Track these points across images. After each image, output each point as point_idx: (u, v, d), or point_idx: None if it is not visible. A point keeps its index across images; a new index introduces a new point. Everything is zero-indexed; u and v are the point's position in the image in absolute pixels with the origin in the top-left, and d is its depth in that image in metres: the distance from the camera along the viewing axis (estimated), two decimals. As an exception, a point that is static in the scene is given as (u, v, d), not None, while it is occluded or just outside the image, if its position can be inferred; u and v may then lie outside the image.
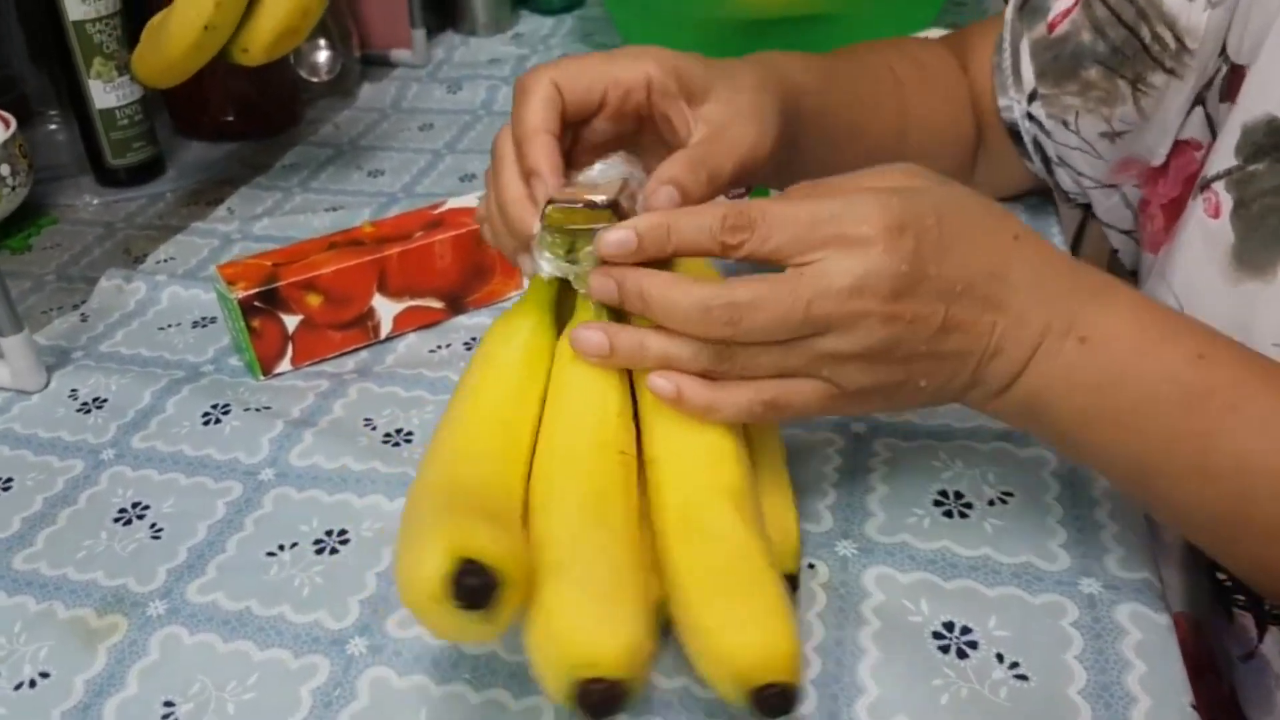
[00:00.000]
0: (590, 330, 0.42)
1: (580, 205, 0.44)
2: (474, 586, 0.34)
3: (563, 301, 0.46)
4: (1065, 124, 0.61)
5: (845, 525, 0.48)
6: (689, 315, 0.39)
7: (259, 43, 0.74)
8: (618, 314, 0.45)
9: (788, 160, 0.53)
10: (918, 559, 0.46)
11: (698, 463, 0.42)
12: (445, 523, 0.36)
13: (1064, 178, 0.64)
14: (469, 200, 0.67)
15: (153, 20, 0.74)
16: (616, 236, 0.40)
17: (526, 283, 0.47)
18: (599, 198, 0.44)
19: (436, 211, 0.66)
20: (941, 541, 0.47)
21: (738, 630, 0.36)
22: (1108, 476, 0.45)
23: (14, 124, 0.78)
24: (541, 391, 0.44)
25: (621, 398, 0.44)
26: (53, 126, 0.91)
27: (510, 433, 0.43)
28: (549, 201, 0.44)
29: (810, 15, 0.91)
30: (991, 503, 0.49)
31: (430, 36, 1.08)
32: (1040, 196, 0.71)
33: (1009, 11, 0.64)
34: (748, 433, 0.45)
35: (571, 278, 0.44)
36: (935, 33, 0.85)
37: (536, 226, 0.44)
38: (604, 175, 0.45)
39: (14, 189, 0.77)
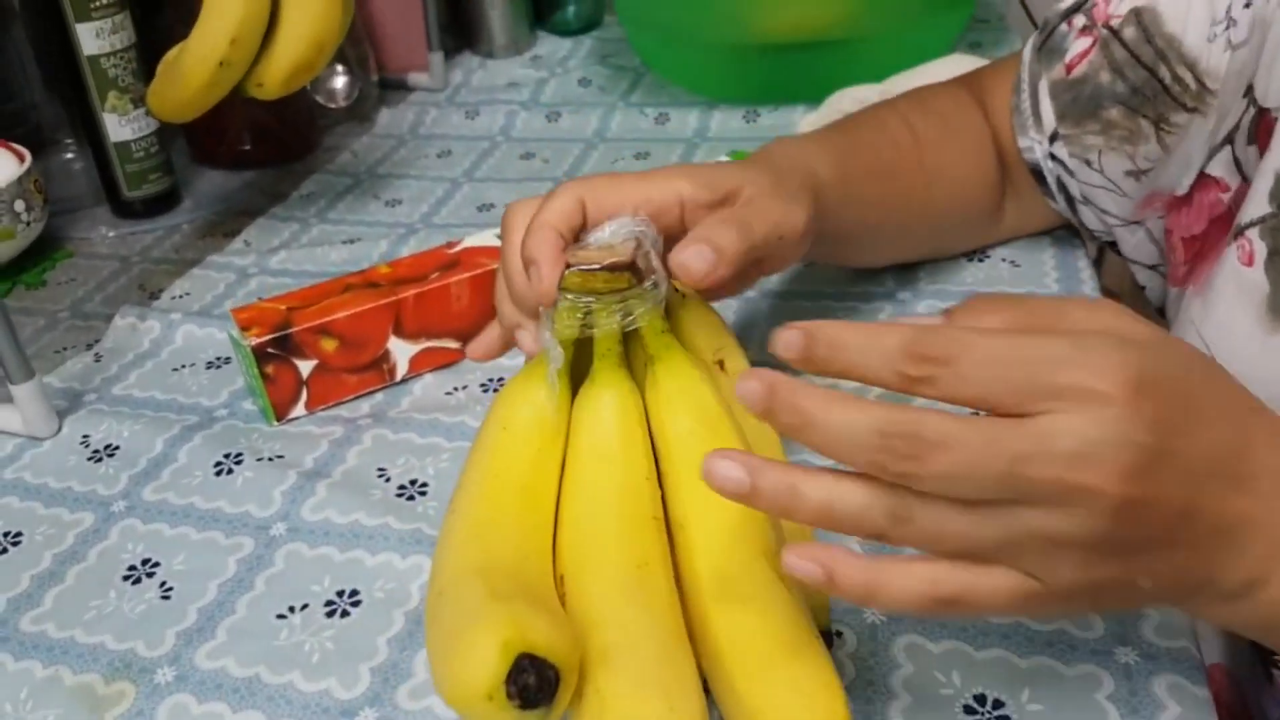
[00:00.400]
0: (728, 463, 0.33)
1: (599, 268, 0.43)
2: (533, 685, 0.32)
3: (577, 363, 0.45)
4: (1088, 163, 0.59)
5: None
6: (859, 439, 0.30)
7: (274, 78, 0.73)
8: (634, 373, 0.44)
9: (814, 250, 0.53)
10: (949, 625, 0.45)
11: (730, 525, 0.40)
12: (496, 613, 0.34)
13: (1089, 216, 0.62)
14: (486, 238, 0.66)
15: (168, 55, 0.73)
16: (785, 338, 0.31)
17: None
18: (617, 259, 0.43)
19: (453, 251, 0.65)
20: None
21: (790, 711, 0.34)
22: None
23: (29, 159, 0.77)
24: (560, 457, 0.43)
25: (648, 461, 0.42)
26: (69, 155, 0.91)
27: (532, 501, 0.41)
28: (566, 266, 0.43)
29: (831, 40, 0.90)
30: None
31: (448, 58, 1.07)
32: (1067, 229, 0.69)
33: (1026, 53, 0.63)
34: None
35: (596, 334, 0.43)
36: (957, 58, 0.84)
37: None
38: (615, 235, 0.43)
39: (29, 224, 0.76)
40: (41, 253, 0.81)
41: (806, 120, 0.82)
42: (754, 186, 0.47)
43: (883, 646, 0.44)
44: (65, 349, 0.71)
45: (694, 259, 0.41)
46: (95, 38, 0.77)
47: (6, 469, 0.59)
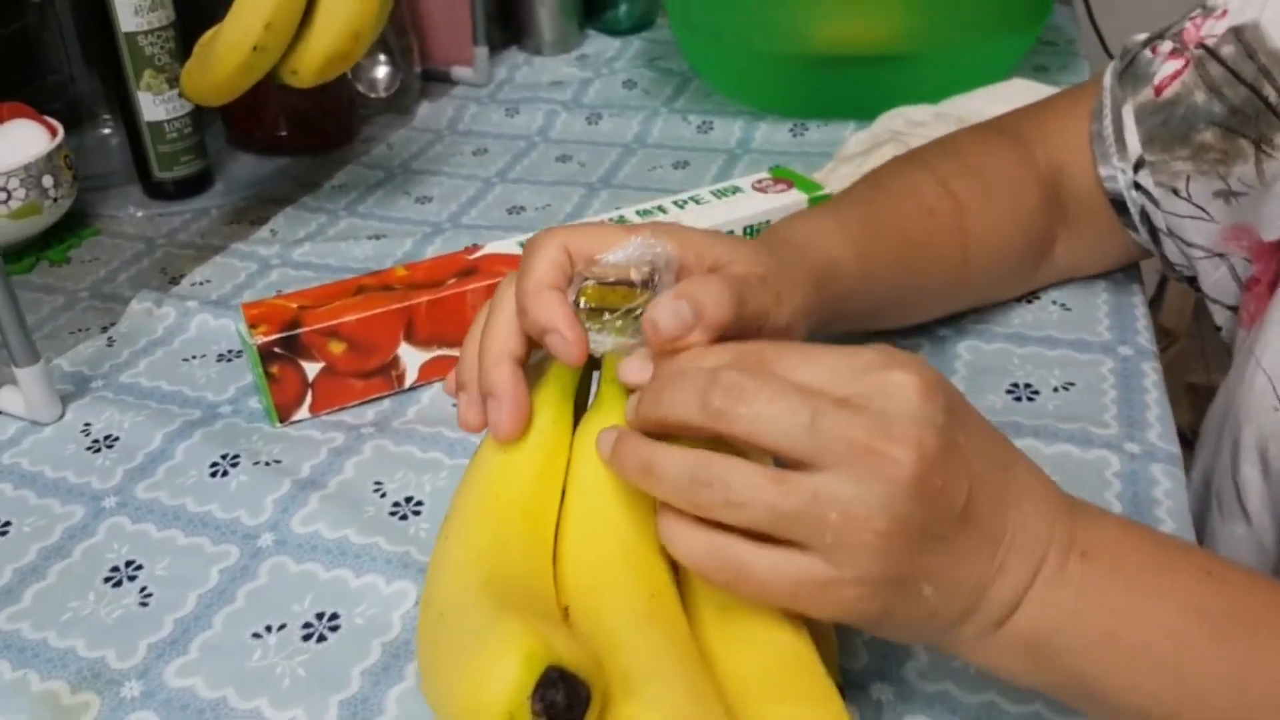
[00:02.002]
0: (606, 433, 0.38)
1: (615, 282, 0.40)
2: (562, 704, 0.29)
3: (581, 383, 0.43)
4: (1175, 191, 0.56)
5: (882, 664, 0.43)
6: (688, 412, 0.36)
7: (308, 66, 0.71)
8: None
9: (837, 324, 0.51)
10: (960, 712, 0.42)
11: None
12: (515, 624, 0.31)
13: (1171, 249, 0.58)
14: (508, 246, 0.64)
15: (203, 37, 0.72)
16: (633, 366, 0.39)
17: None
18: (635, 275, 0.41)
19: (472, 257, 0.63)
20: (988, 694, 0.42)
21: None
22: None
23: (60, 133, 0.77)
24: (562, 480, 0.41)
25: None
26: (106, 131, 0.90)
27: (534, 526, 0.39)
28: (585, 279, 0.41)
29: (888, 55, 0.86)
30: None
31: (494, 53, 1.05)
32: (1123, 272, 0.66)
33: (1107, 79, 0.59)
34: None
35: (613, 354, 0.40)
36: (1018, 83, 0.80)
37: (571, 301, 0.40)
38: (629, 257, 0.41)
39: (55, 200, 0.76)
40: (69, 228, 0.80)
41: (855, 139, 0.79)
42: (745, 266, 0.43)
43: (880, 720, 0.42)
44: (80, 330, 0.70)
45: (667, 316, 0.38)
46: (133, 14, 0.76)
47: (5, 453, 0.58)
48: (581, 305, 0.40)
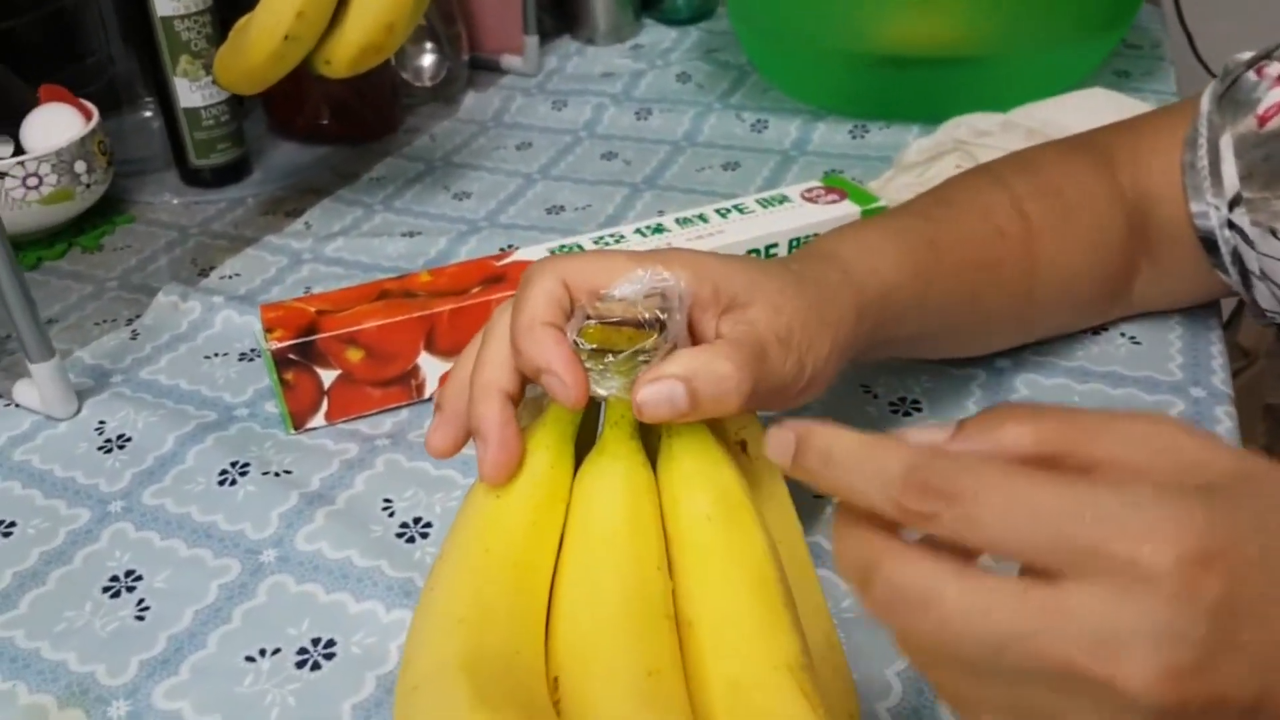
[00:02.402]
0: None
1: (621, 322, 0.37)
2: None
3: (584, 426, 0.40)
4: (1274, 232, 0.50)
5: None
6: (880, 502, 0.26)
7: (342, 56, 0.69)
8: (648, 443, 0.39)
9: (883, 347, 0.46)
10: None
11: (749, 628, 0.34)
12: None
13: (1263, 293, 0.53)
14: (538, 252, 0.61)
15: (238, 24, 0.70)
16: (775, 438, 0.29)
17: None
18: (644, 314, 0.37)
19: (500, 263, 0.61)
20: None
21: None
22: None
23: (95, 117, 0.75)
24: (559, 531, 0.38)
25: (659, 546, 0.37)
26: (147, 114, 0.89)
27: (526, 582, 0.36)
28: (586, 317, 0.38)
29: (958, 57, 0.82)
30: None
31: (546, 41, 1.02)
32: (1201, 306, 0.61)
33: (1205, 104, 0.53)
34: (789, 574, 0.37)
35: (614, 398, 0.37)
36: (1097, 92, 0.75)
37: (571, 341, 0.37)
38: (638, 291, 0.38)
39: (89, 186, 0.74)
40: (104, 213, 0.79)
41: (917, 146, 0.75)
42: (767, 314, 0.39)
43: (899, 793, 0.38)
44: (106, 320, 0.68)
45: (656, 402, 0.34)
46: (171, -1, 0.74)
47: (18, 448, 0.57)
48: (582, 346, 0.37)
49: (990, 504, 0.24)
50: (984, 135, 0.70)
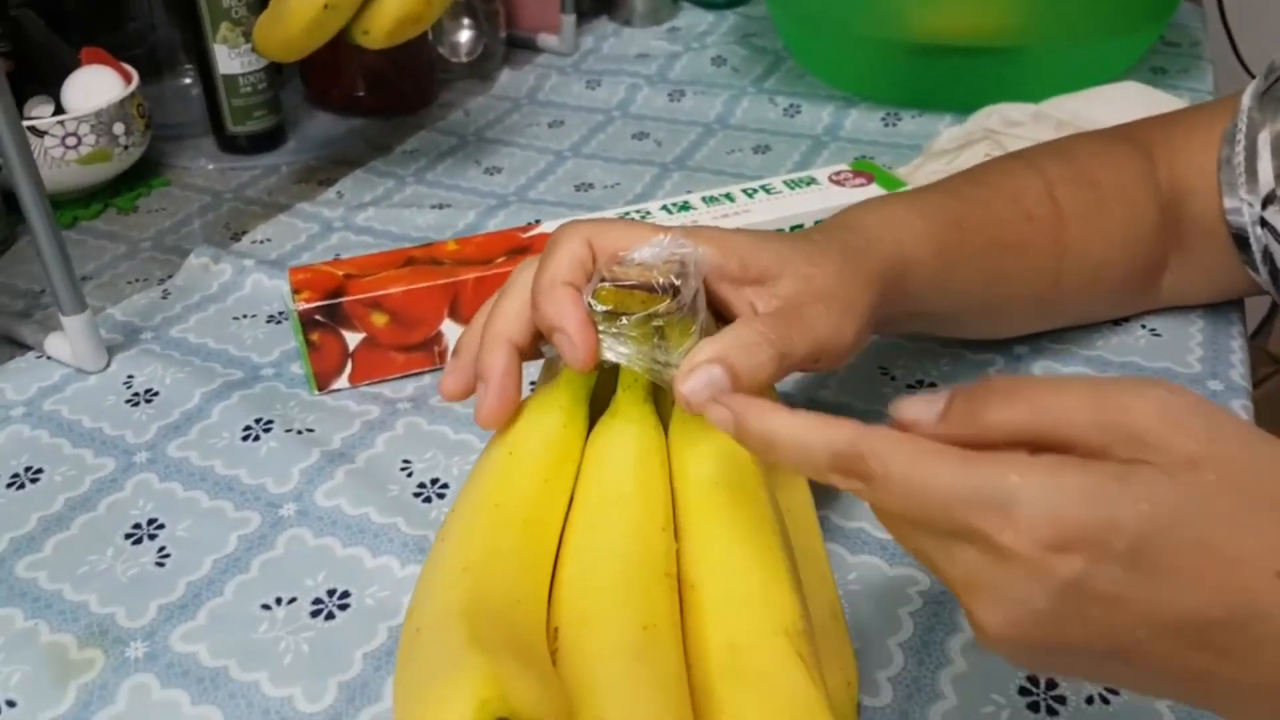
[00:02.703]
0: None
1: (635, 286, 0.38)
2: None
3: (599, 387, 0.40)
4: None
5: (906, 705, 0.40)
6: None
7: (380, 26, 0.70)
8: (661, 407, 0.40)
9: (904, 322, 0.46)
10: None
11: (749, 592, 0.35)
12: (477, 665, 0.30)
13: None
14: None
15: (278, -9, 0.71)
16: (716, 414, 0.32)
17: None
18: (659, 279, 0.38)
19: (526, 235, 0.61)
20: (1016, 744, 0.39)
21: None
22: None
23: (135, 80, 0.77)
24: (570, 491, 0.39)
25: (665, 509, 0.37)
26: (187, 80, 0.90)
27: (534, 538, 0.37)
28: (601, 279, 0.38)
29: (993, 46, 0.82)
30: (1090, 700, 0.40)
31: (583, 21, 1.03)
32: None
33: (1246, 99, 0.53)
34: (791, 540, 0.38)
35: (625, 364, 0.38)
36: (1130, 86, 0.75)
37: (585, 303, 0.38)
38: (656, 255, 0.38)
39: (126, 148, 0.76)
40: (140, 177, 0.80)
41: (947, 134, 0.75)
42: (797, 282, 0.39)
43: (898, 762, 0.39)
44: (139, 280, 0.70)
45: (699, 390, 0.34)
46: (213, -34, 0.75)
47: (48, 399, 0.58)
48: (595, 307, 0.37)
49: (894, 485, 0.28)
50: (1015, 125, 0.70)
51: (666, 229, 0.40)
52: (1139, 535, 0.26)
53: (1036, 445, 0.28)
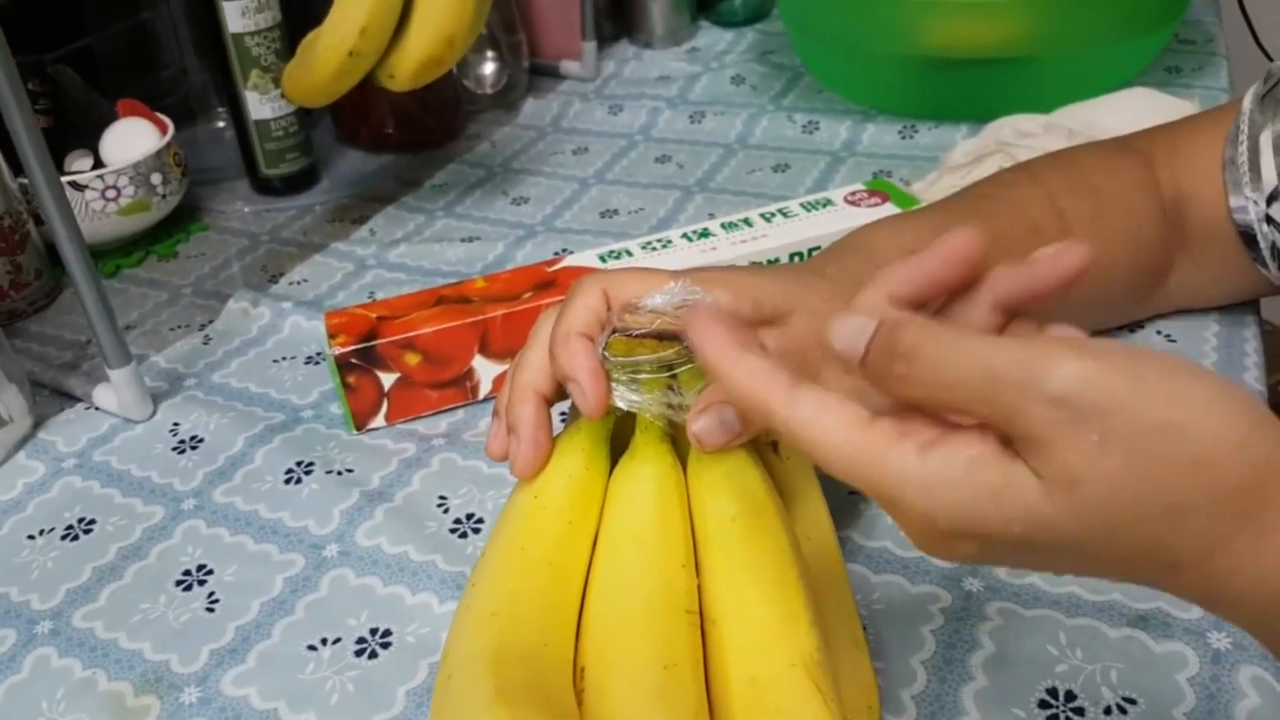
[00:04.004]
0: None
1: (647, 334, 0.39)
2: None
3: (618, 432, 0.42)
4: None
5: (927, 721, 0.42)
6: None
7: (404, 70, 0.72)
8: (680, 446, 0.41)
9: None
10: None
11: (768, 626, 0.36)
12: (500, 718, 0.31)
13: None
14: (587, 258, 0.63)
15: (305, 39, 0.73)
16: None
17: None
18: (667, 327, 0.39)
19: (551, 269, 0.63)
20: (1040, 760, 0.40)
21: None
22: None
23: (170, 132, 0.79)
24: (593, 532, 0.40)
25: (685, 546, 0.39)
26: (221, 124, 0.93)
27: (560, 580, 0.38)
28: (612, 330, 0.39)
29: (1007, 58, 0.82)
30: (1108, 710, 0.41)
31: (604, 46, 1.04)
32: (1240, 305, 0.61)
33: (1247, 102, 0.54)
34: (811, 568, 0.39)
35: (637, 411, 0.39)
36: (1139, 92, 0.75)
37: (598, 353, 0.39)
38: (668, 302, 0.40)
39: (164, 197, 0.78)
40: (179, 222, 0.83)
41: (961, 149, 0.75)
42: (812, 317, 0.40)
43: (925, 784, 0.40)
44: (181, 326, 0.72)
45: (711, 430, 0.36)
46: (240, 16, 0.77)
47: (97, 450, 0.61)
48: (608, 357, 0.38)
49: (818, 452, 0.29)
50: (1027, 136, 0.71)
51: (680, 273, 0.41)
52: (1016, 542, 0.28)
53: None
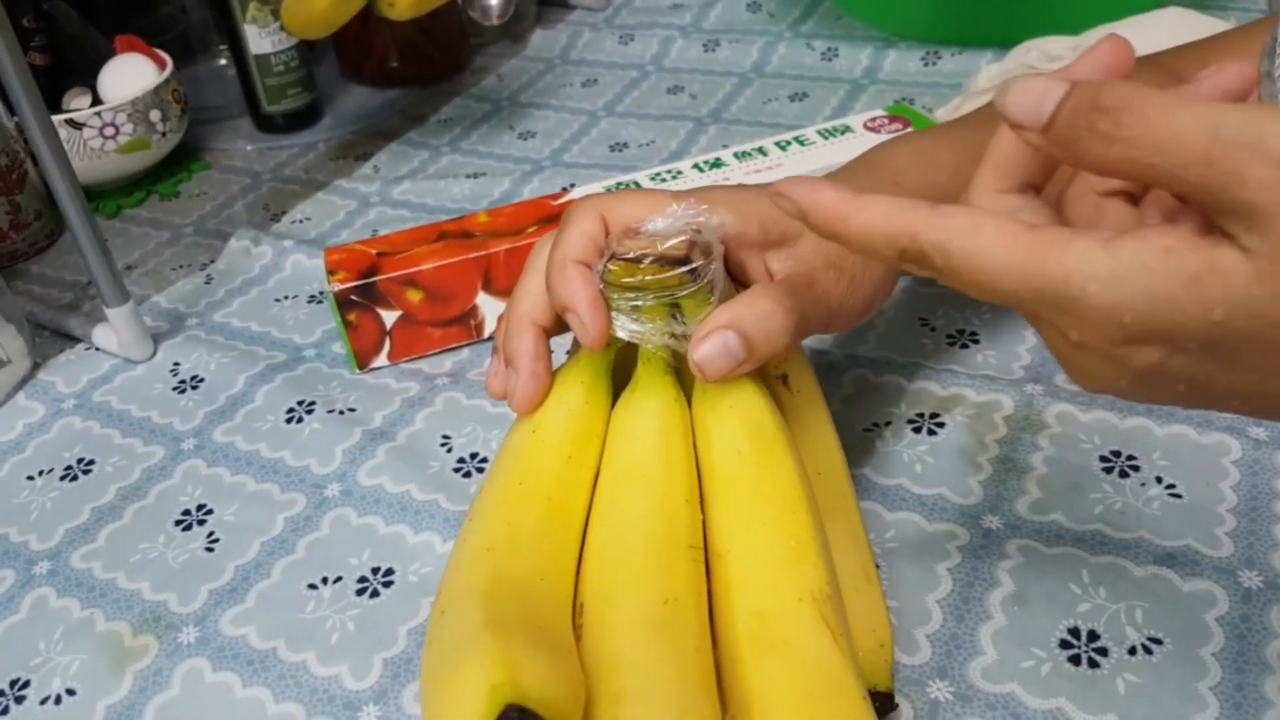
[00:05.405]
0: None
1: (646, 259, 0.37)
2: None
3: (620, 363, 0.40)
4: None
5: (944, 661, 0.40)
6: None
7: (404, -2, 0.69)
8: (683, 377, 0.39)
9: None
10: (1024, 719, 0.38)
11: (775, 560, 0.35)
12: (489, 650, 0.30)
13: None
14: (594, 191, 0.61)
15: (302, -32, 0.71)
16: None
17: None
18: (670, 251, 0.37)
19: (557, 203, 0.61)
20: (1058, 699, 0.38)
21: None
22: None
23: (169, 67, 0.77)
24: (594, 467, 0.38)
25: (689, 480, 0.37)
26: (222, 62, 0.91)
27: (559, 516, 0.37)
28: (610, 255, 0.37)
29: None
30: (1133, 650, 0.39)
31: (616, -25, 1.01)
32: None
33: None
34: (822, 503, 0.38)
35: (639, 341, 0.38)
36: (1173, 12, 0.72)
37: (597, 280, 0.37)
38: (670, 225, 0.37)
39: (164, 135, 0.76)
40: (181, 161, 0.81)
41: (986, 73, 0.72)
42: (819, 241, 0.38)
43: (941, 724, 0.38)
44: (183, 266, 0.71)
45: (713, 357, 0.34)
46: (238, -53, 0.75)
47: (97, 390, 0.60)
48: (606, 284, 0.36)
49: (961, 277, 0.27)
50: (1055, 60, 0.68)
51: (683, 194, 0.39)
52: (1210, 341, 0.25)
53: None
